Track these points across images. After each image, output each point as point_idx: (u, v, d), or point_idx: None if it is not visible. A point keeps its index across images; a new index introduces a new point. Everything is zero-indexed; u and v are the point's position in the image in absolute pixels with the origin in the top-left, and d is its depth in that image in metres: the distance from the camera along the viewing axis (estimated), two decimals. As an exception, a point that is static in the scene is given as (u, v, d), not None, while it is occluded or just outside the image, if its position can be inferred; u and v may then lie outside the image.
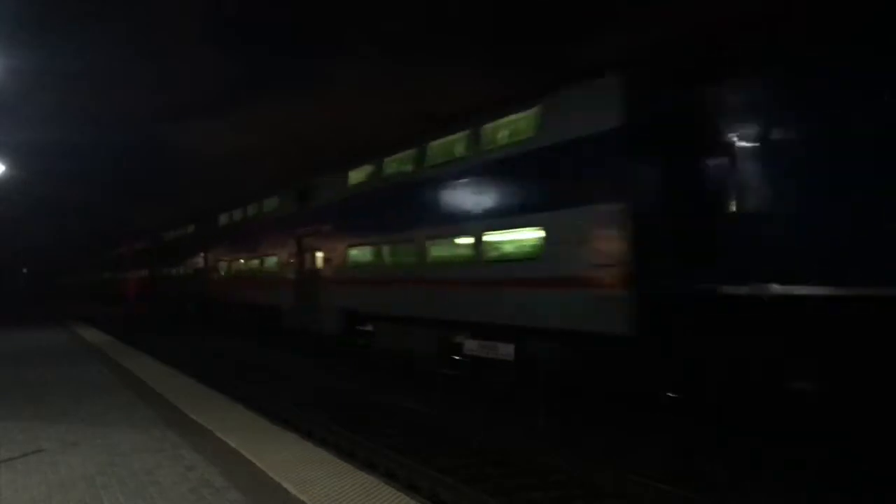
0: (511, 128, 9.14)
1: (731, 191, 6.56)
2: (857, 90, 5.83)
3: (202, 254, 22.83)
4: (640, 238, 6.88)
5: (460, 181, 9.68)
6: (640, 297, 6.76)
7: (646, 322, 6.69)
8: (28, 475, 4.69)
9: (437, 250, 10.34)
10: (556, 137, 7.99)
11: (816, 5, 6.50)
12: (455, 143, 10.18)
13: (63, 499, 4.18)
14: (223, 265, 20.70)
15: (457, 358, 9.68)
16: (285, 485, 4.36)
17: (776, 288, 5.93)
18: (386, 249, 11.65)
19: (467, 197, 9.47)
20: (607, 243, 7.14)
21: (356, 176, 12.94)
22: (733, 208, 6.57)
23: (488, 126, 9.41)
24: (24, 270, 71.88)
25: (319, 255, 13.93)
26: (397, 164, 11.77)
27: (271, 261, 16.48)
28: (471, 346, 9.32)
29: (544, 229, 8.03)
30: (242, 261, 19.00)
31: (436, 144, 10.66)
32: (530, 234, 8.39)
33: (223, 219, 21.13)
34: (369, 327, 12.11)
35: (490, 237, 9.04)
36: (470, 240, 9.38)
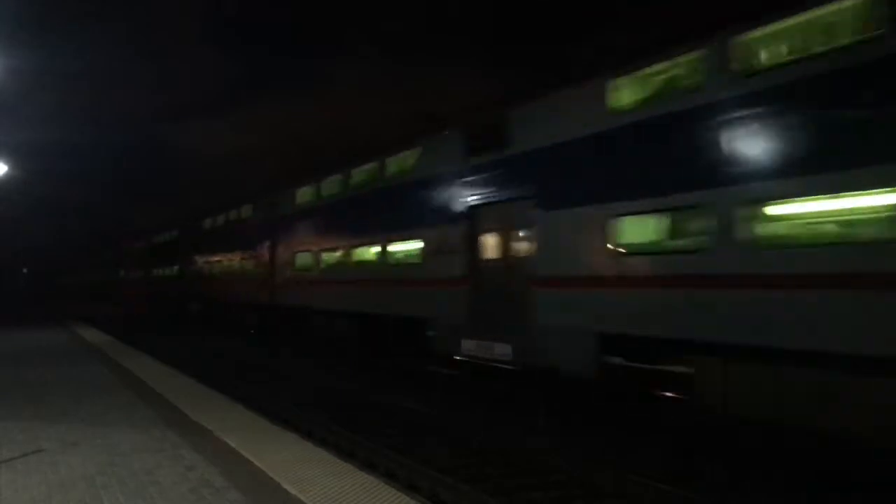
0: (401, 163, 11.48)
1: None
2: None
3: (192, 255, 24.44)
4: (477, 250, 9.20)
5: (370, 202, 12.17)
6: (475, 292, 9.15)
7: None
8: (28, 475, 4.69)
9: (356, 256, 12.53)
10: (427, 172, 10.44)
11: None
12: (368, 171, 12.52)
13: (63, 499, 4.18)
14: (205, 265, 22.88)
15: (457, 358, 9.71)
16: (285, 485, 4.36)
17: None
18: (322, 256, 13.82)
19: (375, 214, 11.84)
20: (462, 254, 9.38)
21: (301, 194, 15.27)
22: None
23: (389, 159, 11.74)
24: (25, 270, 71.88)
25: (274, 258, 16.26)
26: (328, 186, 14.04)
27: (241, 263, 18.93)
28: (468, 346, 9.32)
29: (423, 241, 10.32)
30: (219, 261, 21.22)
31: (356, 171, 12.93)
32: (414, 245, 10.68)
33: (207, 223, 23.31)
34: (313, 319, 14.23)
35: (391, 247, 11.42)
36: (378, 248, 11.72)
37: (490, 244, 9.14)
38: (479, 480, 5.92)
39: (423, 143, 10.82)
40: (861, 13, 5.90)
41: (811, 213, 5.78)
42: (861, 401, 5.26)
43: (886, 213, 5.21)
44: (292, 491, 4.23)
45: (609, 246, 7.20)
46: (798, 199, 5.76)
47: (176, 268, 26.58)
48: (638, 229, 7.13)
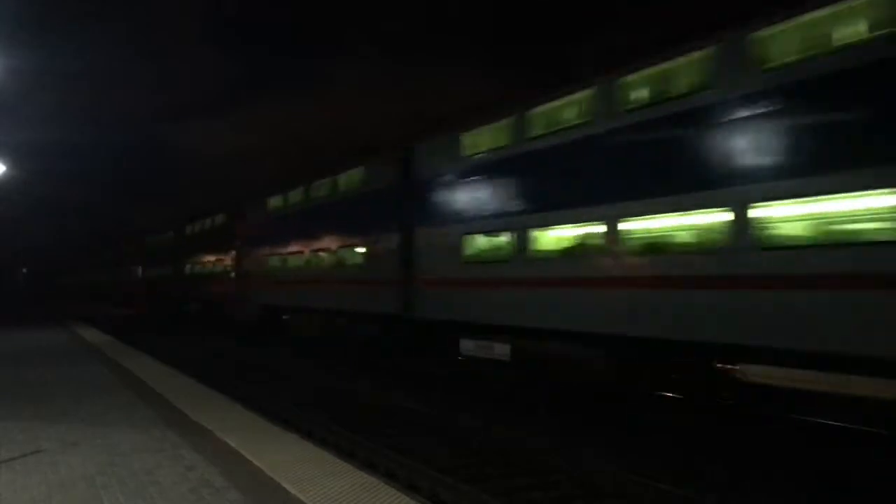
0: (351, 178, 13.57)
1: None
2: None
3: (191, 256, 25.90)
4: (406, 255, 11.11)
5: (327, 212, 14.40)
6: (405, 290, 11.13)
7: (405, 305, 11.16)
8: (28, 475, 4.68)
9: (318, 260, 14.56)
10: (371, 187, 12.57)
11: None
12: (324, 185, 14.61)
13: (63, 499, 4.17)
14: (194, 266, 25.12)
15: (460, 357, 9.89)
16: (285, 485, 4.35)
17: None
18: (291, 259, 15.85)
19: (333, 222, 14.08)
20: (395, 257, 11.38)
21: (272, 202, 17.47)
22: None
23: (342, 175, 13.85)
24: (24, 270, 71.89)
25: (249, 260, 18.65)
26: (294, 196, 16.13)
27: (219, 264, 21.64)
28: (468, 346, 9.33)
29: (366, 248, 12.56)
30: (205, 262, 23.43)
31: (315, 184, 15.08)
32: (362, 250, 12.80)
33: (193, 227, 25.74)
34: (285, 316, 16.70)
35: (344, 252, 13.54)
36: (336, 253, 13.83)
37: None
38: (479, 480, 5.92)
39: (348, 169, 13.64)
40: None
41: (560, 236, 8.50)
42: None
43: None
44: (292, 491, 4.23)
45: (459, 256, 9.89)
46: (546, 228, 8.46)
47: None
48: (476, 244, 9.86)
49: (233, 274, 20.20)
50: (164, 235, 29.64)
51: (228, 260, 20.75)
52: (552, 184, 8.33)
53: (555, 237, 8.52)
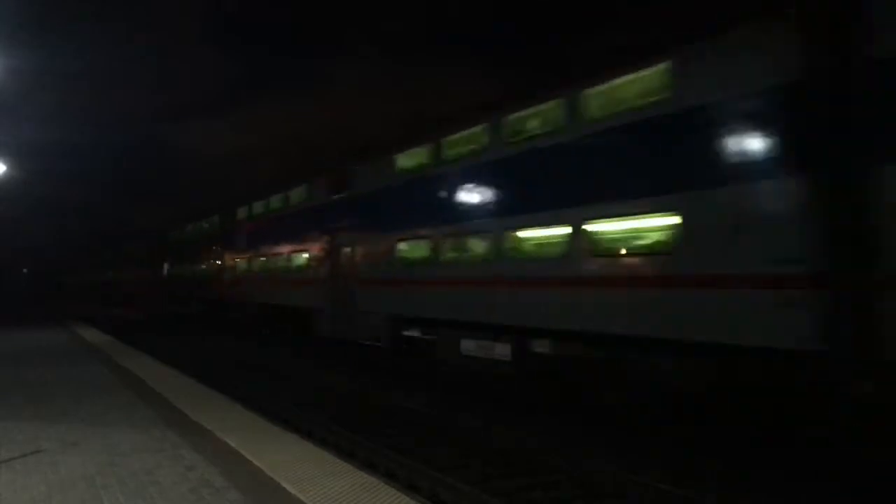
0: (297, 194, 15.88)
1: None
2: None
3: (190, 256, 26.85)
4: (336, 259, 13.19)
5: (279, 221, 16.93)
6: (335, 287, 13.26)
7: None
8: (28, 475, 4.69)
9: (274, 263, 16.79)
10: (316, 202, 14.60)
11: None
12: (280, 198, 16.94)
13: (63, 499, 4.17)
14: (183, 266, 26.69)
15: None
16: (285, 484, 4.35)
17: None
18: (256, 261, 18.07)
19: (285, 231, 16.29)
20: (327, 263, 13.57)
21: (240, 212, 19.75)
22: None
23: (292, 191, 16.20)
24: (25, 270, 71.89)
25: (222, 263, 21.02)
26: (258, 206, 18.52)
27: (204, 265, 23.40)
28: (468, 346, 9.34)
29: (308, 252, 14.62)
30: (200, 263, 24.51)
31: (273, 198, 17.36)
32: (304, 255, 14.91)
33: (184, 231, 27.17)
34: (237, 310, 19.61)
35: (294, 256, 15.53)
36: (285, 256, 16.03)
37: (341, 256, 13.09)
38: (479, 480, 5.92)
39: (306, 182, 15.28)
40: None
41: (459, 245, 10.05)
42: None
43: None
44: (292, 491, 4.23)
45: (395, 259, 11.26)
46: (450, 237, 10.00)
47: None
48: (407, 249, 11.13)
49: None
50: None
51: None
52: (453, 202, 9.90)
53: (457, 246, 10.07)
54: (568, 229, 7.66)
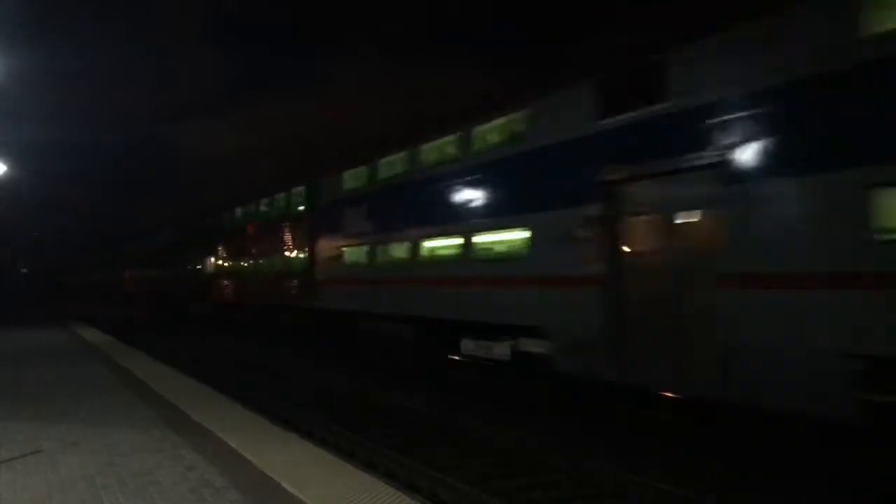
0: (238, 214, 19.68)
1: None
2: None
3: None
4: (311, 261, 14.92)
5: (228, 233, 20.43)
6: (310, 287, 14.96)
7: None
8: (28, 475, 4.69)
9: (252, 266, 18.80)
10: (292, 211, 16.23)
11: None
12: (233, 213, 20.25)
13: (63, 499, 4.18)
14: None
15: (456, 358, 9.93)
16: (285, 485, 4.36)
17: None
18: (238, 264, 19.95)
19: (237, 242, 19.64)
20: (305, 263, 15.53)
21: (230, 216, 21.14)
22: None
23: (235, 210, 19.95)
24: (24, 271, 71.89)
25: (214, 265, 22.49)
26: (242, 212, 20.16)
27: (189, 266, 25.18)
28: (468, 346, 9.35)
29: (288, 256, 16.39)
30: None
31: (226, 213, 20.70)
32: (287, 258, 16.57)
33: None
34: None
35: (267, 260, 17.58)
36: (262, 260, 17.94)
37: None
38: (479, 480, 5.92)
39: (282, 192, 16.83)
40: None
41: (386, 251, 11.71)
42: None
43: None
44: (292, 491, 4.23)
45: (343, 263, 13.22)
46: (380, 244, 11.78)
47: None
48: (352, 254, 12.87)
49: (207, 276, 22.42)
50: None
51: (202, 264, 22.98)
52: (381, 216, 11.81)
53: (385, 251, 11.68)
54: (461, 240, 9.52)
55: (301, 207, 15.42)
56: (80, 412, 6.89)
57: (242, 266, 19.33)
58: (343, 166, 13.59)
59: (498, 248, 9.14)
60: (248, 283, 18.82)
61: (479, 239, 9.26)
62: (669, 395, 6.62)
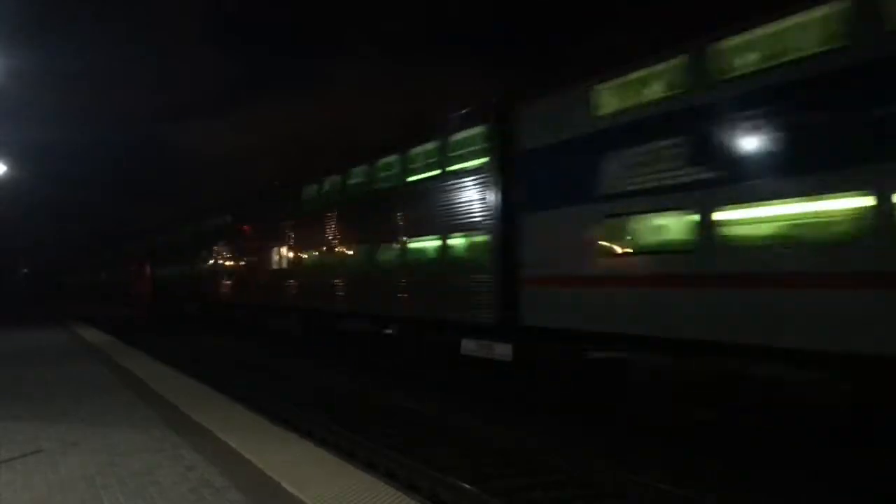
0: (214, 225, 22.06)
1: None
2: None
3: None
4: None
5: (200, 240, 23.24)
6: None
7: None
8: (28, 475, 4.69)
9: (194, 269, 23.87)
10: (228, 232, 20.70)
11: None
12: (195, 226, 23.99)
13: (63, 499, 4.18)
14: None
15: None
16: (285, 484, 4.36)
17: None
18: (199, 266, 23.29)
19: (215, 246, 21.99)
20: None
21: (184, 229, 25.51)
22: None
23: (206, 223, 22.77)
24: (25, 270, 71.88)
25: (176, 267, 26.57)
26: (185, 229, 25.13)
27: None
28: (468, 346, 9.34)
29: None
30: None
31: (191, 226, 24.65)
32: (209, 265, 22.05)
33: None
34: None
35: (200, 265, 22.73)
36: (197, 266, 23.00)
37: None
38: (479, 480, 5.92)
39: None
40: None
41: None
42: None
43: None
44: (292, 491, 4.23)
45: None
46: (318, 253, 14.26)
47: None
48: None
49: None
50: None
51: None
52: (309, 234, 14.66)
53: (313, 262, 14.39)
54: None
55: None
56: (80, 412, 6.89)
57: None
58: None
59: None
60: None
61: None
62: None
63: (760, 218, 6.03)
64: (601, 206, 7.31)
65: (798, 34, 5.85)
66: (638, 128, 6.98)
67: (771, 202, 5.84)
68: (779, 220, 5.93)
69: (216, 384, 9.16)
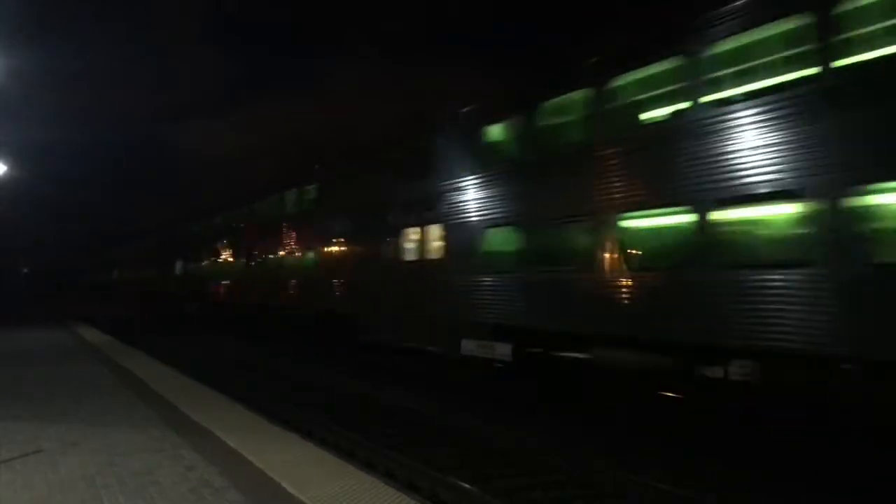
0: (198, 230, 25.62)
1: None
2: None
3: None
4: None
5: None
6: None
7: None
8: (28, 475, 4.69)
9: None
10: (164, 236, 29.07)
11: None
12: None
13: (63, 499, 4.18)
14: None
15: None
16: (285, 485, 4.36)
17: None
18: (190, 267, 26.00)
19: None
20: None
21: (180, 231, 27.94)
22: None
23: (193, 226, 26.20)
24: (25, 270, 71.90)
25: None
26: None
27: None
28: (469, 346, 9.35)
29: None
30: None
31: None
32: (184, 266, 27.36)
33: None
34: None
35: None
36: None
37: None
38: (479, 480, 5.91)
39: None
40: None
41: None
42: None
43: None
44: (292, 491, 4.23)
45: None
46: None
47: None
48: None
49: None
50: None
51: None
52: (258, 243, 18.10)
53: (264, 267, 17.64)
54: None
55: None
56: (80, 412, 6.89)
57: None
58: None
59: None
60: None
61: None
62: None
63: None
64: None
65: None
66: None
67: None
68: None
69: (216, 384, 9.17)
